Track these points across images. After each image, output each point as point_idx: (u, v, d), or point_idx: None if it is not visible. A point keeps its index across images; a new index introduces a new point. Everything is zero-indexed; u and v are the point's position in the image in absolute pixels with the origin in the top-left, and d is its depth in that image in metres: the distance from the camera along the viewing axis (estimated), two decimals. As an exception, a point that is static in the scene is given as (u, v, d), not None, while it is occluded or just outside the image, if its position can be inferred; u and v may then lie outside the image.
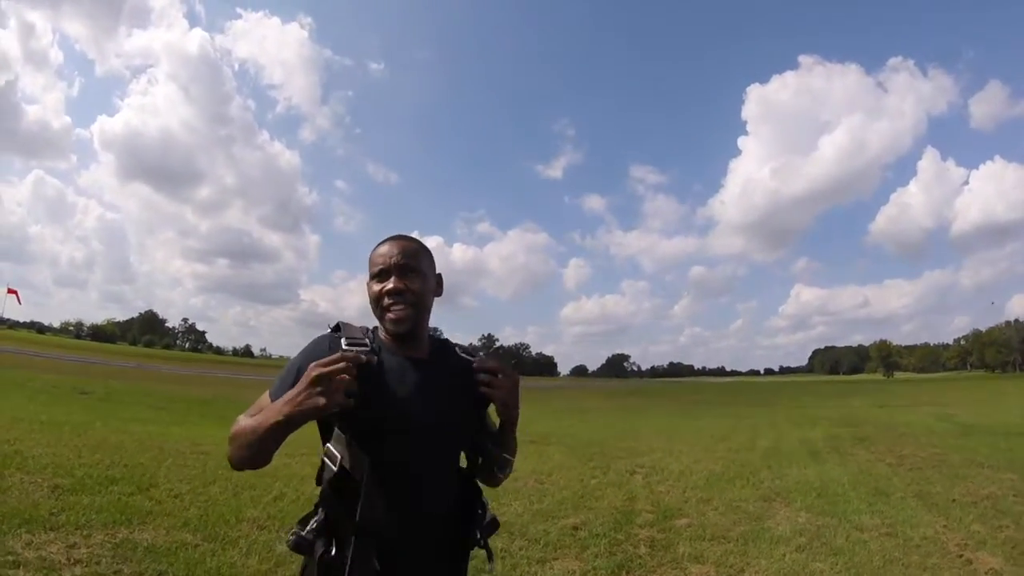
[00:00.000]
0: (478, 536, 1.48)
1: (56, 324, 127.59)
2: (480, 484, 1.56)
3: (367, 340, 1.43)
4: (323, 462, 1.39)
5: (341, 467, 1.34)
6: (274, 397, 1.37)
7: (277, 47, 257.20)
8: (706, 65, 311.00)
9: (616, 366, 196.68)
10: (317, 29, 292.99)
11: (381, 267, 1.46)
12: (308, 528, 1.33)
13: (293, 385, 1.33)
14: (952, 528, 5.17)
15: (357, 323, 1.51)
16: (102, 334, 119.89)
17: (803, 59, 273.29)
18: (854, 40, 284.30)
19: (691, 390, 51.90)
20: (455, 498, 1.47)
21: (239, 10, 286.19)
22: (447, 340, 1.62)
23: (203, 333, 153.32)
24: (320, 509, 1.37)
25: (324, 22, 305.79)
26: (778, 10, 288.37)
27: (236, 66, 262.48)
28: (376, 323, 1.53)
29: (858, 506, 5.93)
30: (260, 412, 1.32)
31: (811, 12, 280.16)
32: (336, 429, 1.38)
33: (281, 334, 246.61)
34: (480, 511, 1.50)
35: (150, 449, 7.10)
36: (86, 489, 4.88)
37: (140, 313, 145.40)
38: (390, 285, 1.43)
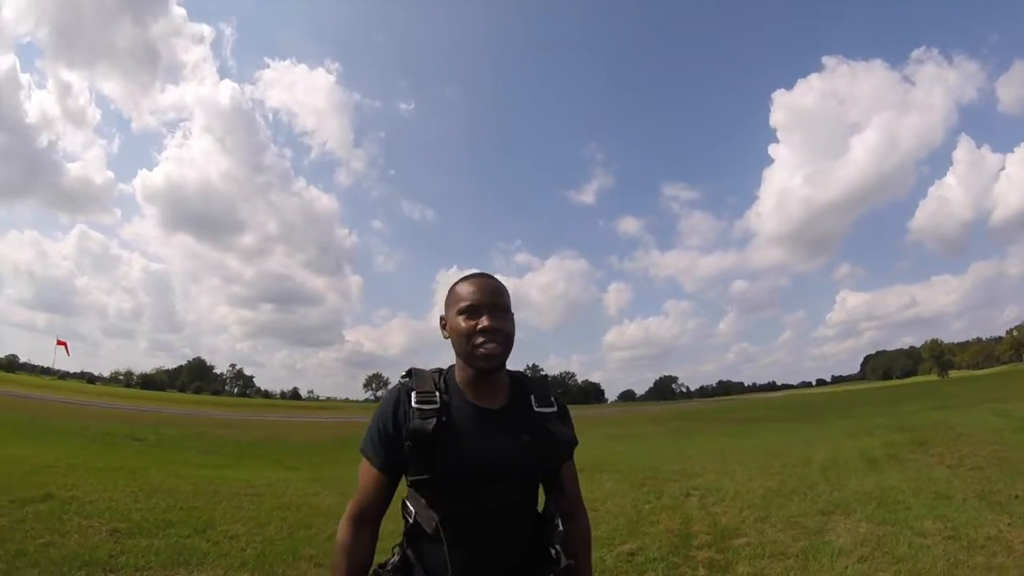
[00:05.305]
0: None
1: (106, 374, 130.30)
2: (558, 524, 1.54)
3: (437, 392, 1.44)
4: (402, 512, 1.47)
5: (415, 520, 1.42)
6: (367, 455, 1.48)
7: (306, 94, 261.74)
8: (730, 74, 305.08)
9: (664, 389, 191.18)
10: (344, 73, 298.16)
11: (471, 303, 1.44)
12: (386, 569, 1.45)
13: (384, 445, 1.44)
14: (1016, 525, 5.05)
15: (409, 361, 1.50)
16: (151, 382, 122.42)
17: (826, 60, 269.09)
18: (876, 35, 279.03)
19: (742, 407, 50.02)
20: (528, 548, 1.48)
21: (267, 59, 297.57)
22: (525, 380, 1.59)
23: (251, 378, 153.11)
24: (395, 552, 1.49)
25: (350, 66, 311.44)
26: (797, 13, 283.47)
27: (269, 116, 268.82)
28: (445, 364, 1.56)
29: (919, 512, 5.81)
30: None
31: (830, 11, 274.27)
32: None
33: (326, 375, 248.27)
34: (554, 561, 1.48)
35: (205, 492, 7.23)
36: (143, 532, 5.00)
37: (188, 360, 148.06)
38: (485, 323, 1.42)
